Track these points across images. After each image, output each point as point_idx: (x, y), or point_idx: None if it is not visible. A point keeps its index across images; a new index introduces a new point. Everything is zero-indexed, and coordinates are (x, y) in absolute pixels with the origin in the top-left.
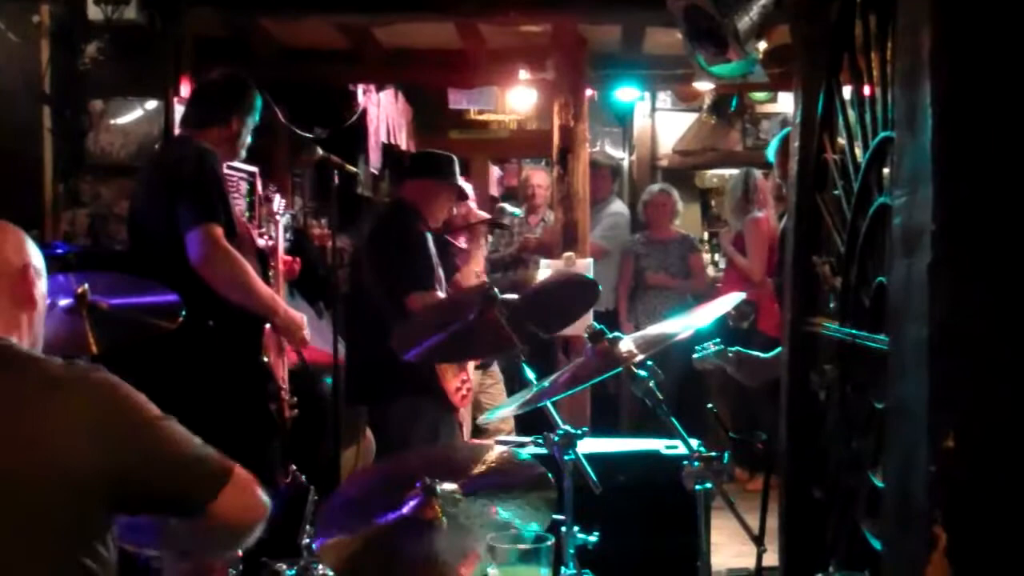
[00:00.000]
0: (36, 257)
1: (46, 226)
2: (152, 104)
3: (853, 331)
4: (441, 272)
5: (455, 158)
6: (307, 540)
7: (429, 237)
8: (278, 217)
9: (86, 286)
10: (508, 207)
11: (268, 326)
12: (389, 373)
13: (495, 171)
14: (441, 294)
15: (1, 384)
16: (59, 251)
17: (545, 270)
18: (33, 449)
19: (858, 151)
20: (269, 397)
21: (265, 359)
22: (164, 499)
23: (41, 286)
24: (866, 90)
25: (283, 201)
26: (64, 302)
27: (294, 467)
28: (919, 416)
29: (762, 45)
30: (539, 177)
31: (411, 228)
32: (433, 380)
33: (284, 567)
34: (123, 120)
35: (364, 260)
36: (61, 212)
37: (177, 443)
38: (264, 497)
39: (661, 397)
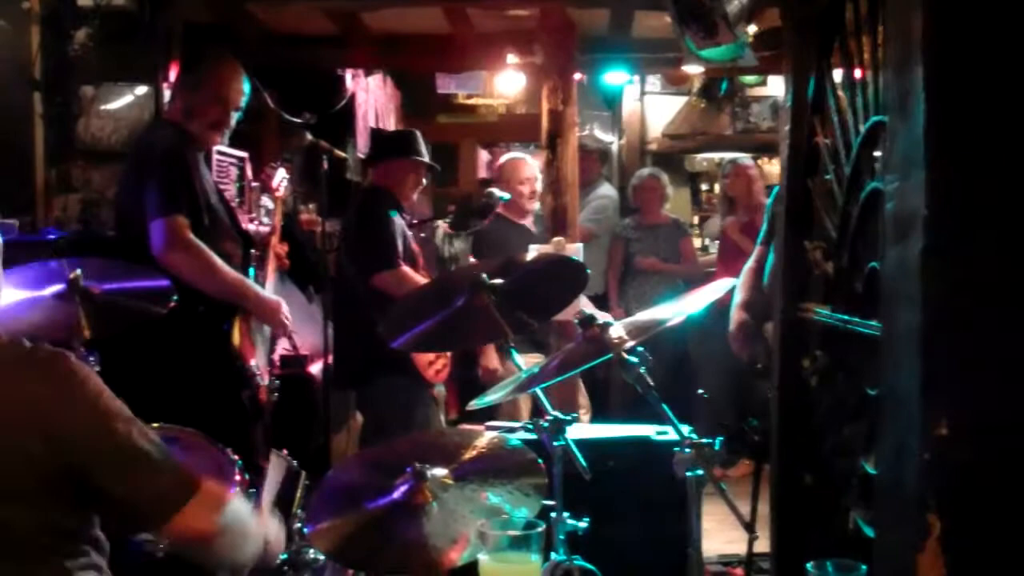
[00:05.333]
0: None
1: (37, 212)
2: (142, 90)
3: (845, 316)
4: (419, 254)
5: (416, 133)
6: (298, 525)
7: (395, 217)
8: (278, 193)
9: (79, 271)
10: (496, 191)
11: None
12: (365, 355)
13: (483, 155)
14: (410, 271)
15: None
16: (51, 236)
17: (534, 255)
18: None
19: (849, 135)
20: (241, 383)
21: (235, 344)
22: (117, 501)
23: None
24: (857, 73)
25: (285, 175)
26: (57, 287)
27: (285, 452)
28: (912, 403)
29: (752, 28)
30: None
31: (374, 209)
32: (405, 358)
33: None
34: (113, 106)
35: (341, 245)
36: (53, 198)
37: (134, 446)
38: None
39: (652, 383)
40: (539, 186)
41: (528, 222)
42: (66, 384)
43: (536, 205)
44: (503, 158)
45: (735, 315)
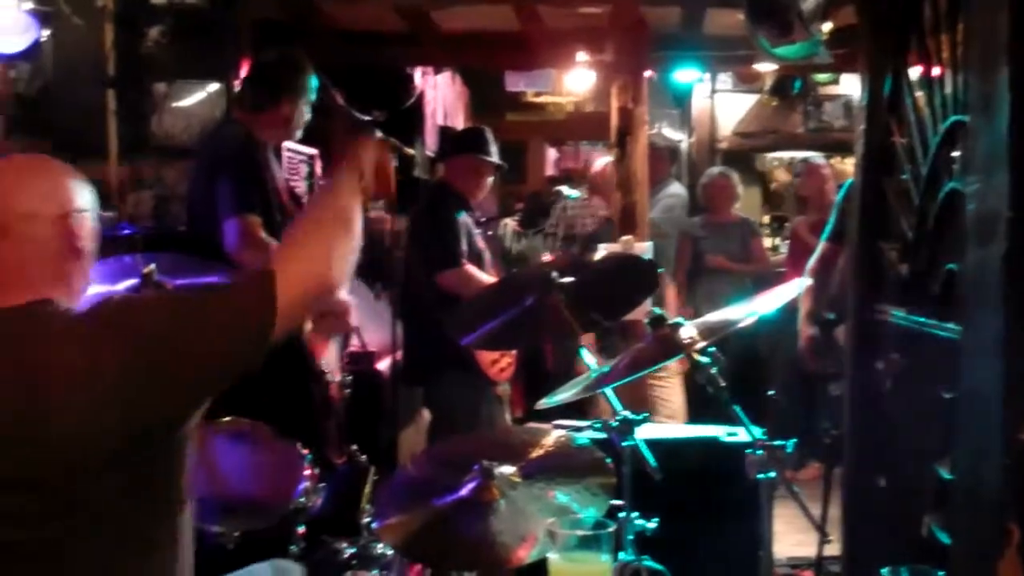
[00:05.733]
0: (78, 200)
1: (111, 208)
2: (214, 87)
3: (921, 319)
4: (485, 252)
5: (485, 130)
6: (367, 519)
7: (462, 215)
8: None
9: (152, 266)
10: (565, 189)
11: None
12: (431, 353)
13: (551, 153)
14: (475, 269)
15: (28, 355)
16: (125, 232)
17: (603, 254)
18: (66, 414)
19: (927, 134)
20: (312, 379)
21: (306, 341)
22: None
23: (86, 231)
24: (935, 72)
25: None
26: (131, 282)
27: (355, 447)
28: (992, 406)
29: (827, 26)
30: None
31: (440, 207)
32: (469, 356)
33: (344, 545)
34: (185, 103)
35: (408, 243)
36: (126, 194)
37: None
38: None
39: (724, 384)
40: None
41: None
42: (125, 320)
43: None
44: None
45: (803, 329)
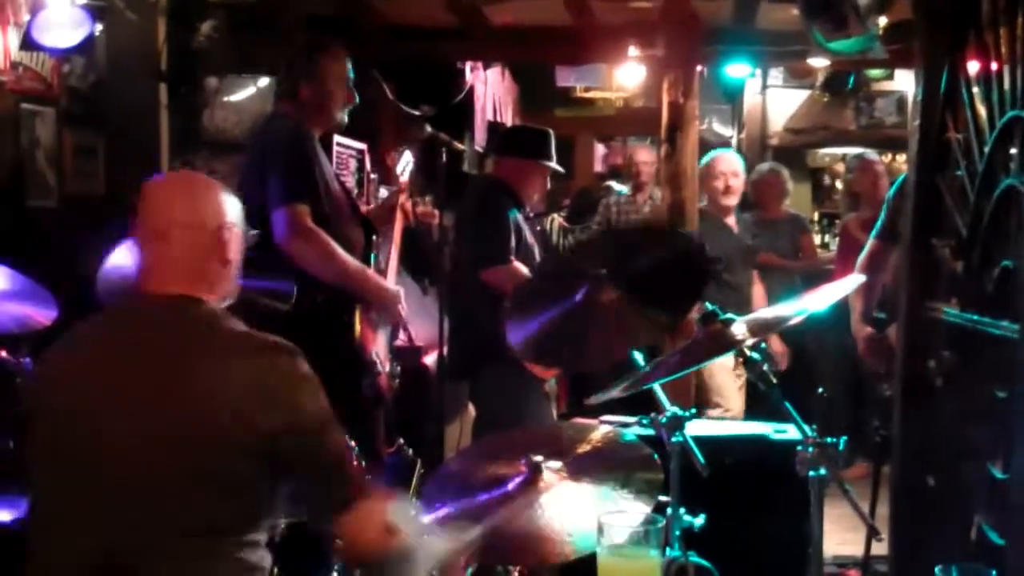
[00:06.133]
0: (232, 213)
1: None
2: (264, 82)
3: (975, 316)
4: (535, 248)
5: (550, 134)
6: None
7: (515, 214)
8: (402, 178)
9: None
10: (615, 185)
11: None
12: (476, 348)
13: (600, 149)
14: (522, 266)
15: (185, 344)
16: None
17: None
18: (209, 413)
19: (983, 130)
20: (362, 371)
21: (357, 332)
22: (303, 490)
23: (235, 244)
24: (993, 67)
25: (411, 159)
26: None
27: (401, 441)
28: None
29: (882, 20)
30: (644, 154)
31: (493, 203)
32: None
33: None
34: (237, 97)
35: (456, 237)
36: None
37: (330, 446)
38: (389, 537)
39: (775, 381)
40: (736, 182)
41: (731, 221)
42: (288, 374)
43: (734, 200)
44: (711, 155)
45: (858, 329)
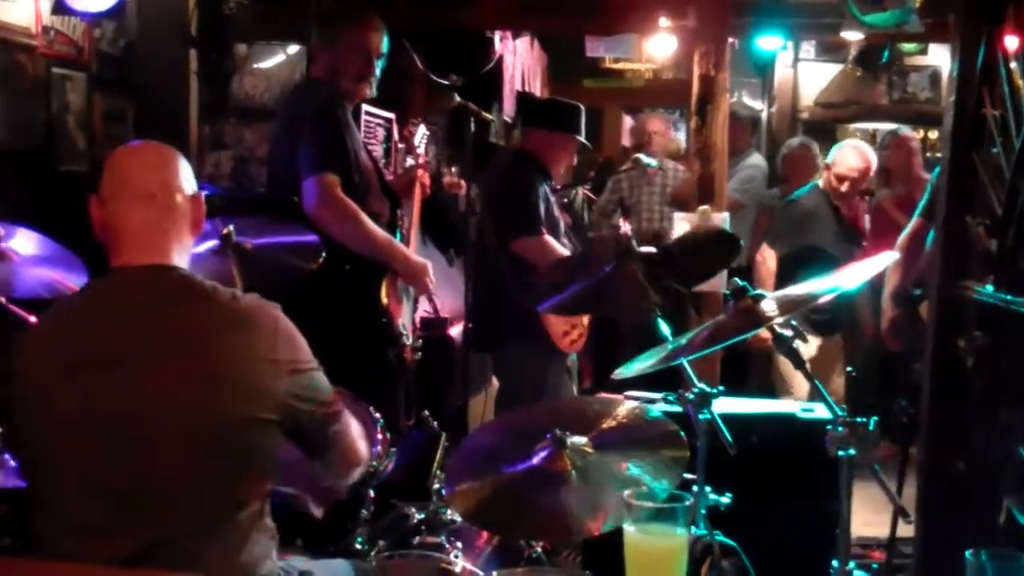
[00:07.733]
0: (195, 184)
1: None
2: (294, 49)
3: (1008, 296)
4: (561, 221)
5: (581, 108)
6: (437, 485)
7: (543, 187)
8: (418, 151)
9: (231, 227)
10: (643, 157)
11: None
12: (501, 320)
13: (628, 121)
14: (551, 239)
15: (186, 318)
16: (205, 193)
17: (681, 224)
18: (220, 383)
19: (1021, 106)
20: (388, 342)
21: (384, 303)
22: (306, 434)
23: (203, 212)
24: None
25: (426, 132)
26: (212, 243)
27: (426, 413)
28: None
29: None
30: (656, 123)
31: (522, 175)
32: (539, 326)
33: (414, 510)
34: (266, 64)
35: (482, 208)
36: (206, 154)
37: (320, 387)
38: (361, 448)
39: (804, 359)
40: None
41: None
42: (283, 334)
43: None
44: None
45: (886, 308)
